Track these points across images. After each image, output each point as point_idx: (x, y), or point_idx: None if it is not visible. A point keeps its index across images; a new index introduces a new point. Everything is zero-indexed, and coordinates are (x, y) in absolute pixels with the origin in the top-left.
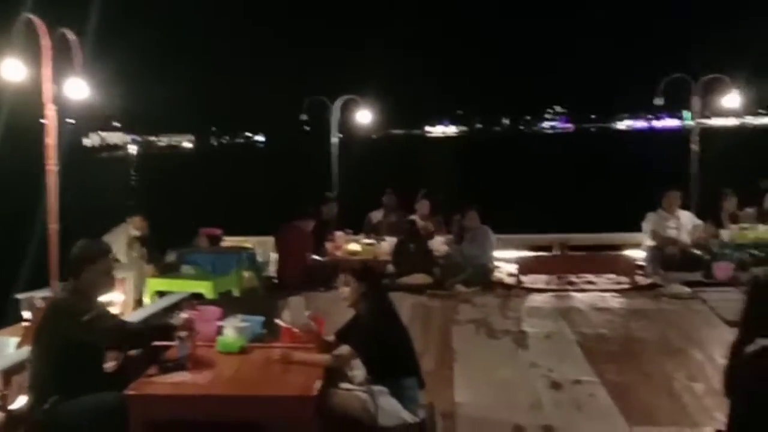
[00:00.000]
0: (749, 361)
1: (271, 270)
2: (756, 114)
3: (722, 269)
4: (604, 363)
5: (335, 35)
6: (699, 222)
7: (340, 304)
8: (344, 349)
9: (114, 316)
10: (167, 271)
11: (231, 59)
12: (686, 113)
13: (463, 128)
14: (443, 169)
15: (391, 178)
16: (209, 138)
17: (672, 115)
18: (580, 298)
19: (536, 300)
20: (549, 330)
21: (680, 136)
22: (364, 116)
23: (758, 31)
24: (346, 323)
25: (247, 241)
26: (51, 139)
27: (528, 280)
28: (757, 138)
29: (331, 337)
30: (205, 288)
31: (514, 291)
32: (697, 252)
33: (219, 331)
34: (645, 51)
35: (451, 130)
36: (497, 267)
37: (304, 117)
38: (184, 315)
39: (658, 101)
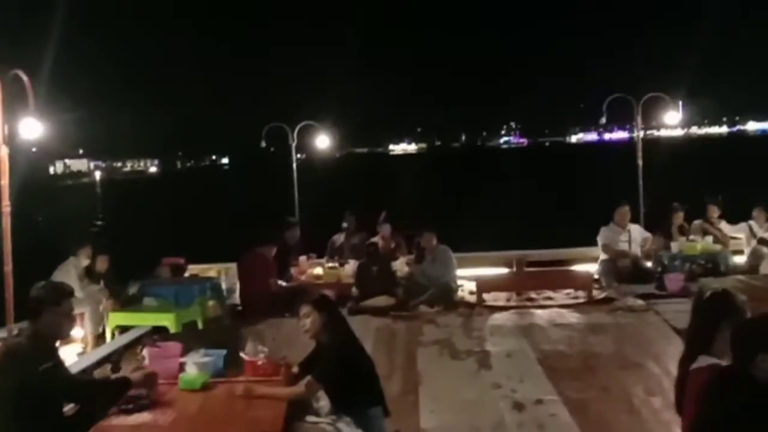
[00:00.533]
0: (695, 379)
1: (237, 297)
2: (700, 125)
3: (673, 281)
4: (564, 380)
5: (296, 58)
6: (648, 235)
7: None
8: (310, 379)
9: (68, 370)
10: (129, 303)
11: (195, 82)
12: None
13: (423, 146)
14: (404, 187)
15: (354, 198)
16: (175, 162)
17: (622, 128)
18: (539, 315)
19: (498, 318)
20: (511, 348)
21: (630, 149)
22: (322, 141)
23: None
24: (309, 354)
25: (212, 269)
26: (4, 180)
27: (489, 297)
28: (700, 149)
29: (295, 369)
30: (167, 321)
31: (476, 309)
32: (648, 264)
33: (181, 368)
34: (596, 68)
35: (412, 147)
36: (460, 285)
37: (263, 144)
38: (144, 368)
39: (603, 120)
